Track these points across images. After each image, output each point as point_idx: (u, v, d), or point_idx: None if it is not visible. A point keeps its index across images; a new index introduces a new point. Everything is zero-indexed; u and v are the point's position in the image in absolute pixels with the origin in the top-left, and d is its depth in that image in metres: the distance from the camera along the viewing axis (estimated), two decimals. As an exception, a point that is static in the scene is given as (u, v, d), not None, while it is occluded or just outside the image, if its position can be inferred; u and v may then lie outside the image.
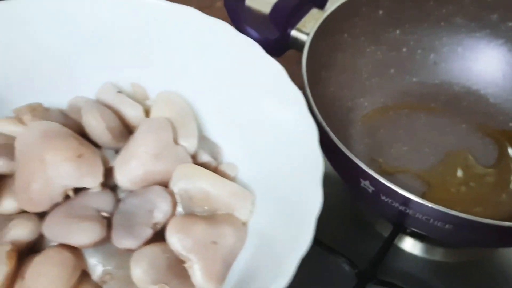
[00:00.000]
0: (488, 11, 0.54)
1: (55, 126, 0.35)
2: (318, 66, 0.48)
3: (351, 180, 0.40)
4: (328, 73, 0.50)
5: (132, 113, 0.39)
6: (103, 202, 0.36)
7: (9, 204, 0.35)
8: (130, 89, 0.42)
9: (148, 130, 0.37)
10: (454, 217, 0.35)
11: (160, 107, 0.40)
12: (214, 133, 0.41)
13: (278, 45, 0.50)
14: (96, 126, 0.36)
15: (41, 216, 0.35)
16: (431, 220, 0.36)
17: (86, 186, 0.35)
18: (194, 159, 0.39)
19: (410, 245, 0.48)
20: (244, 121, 0.39)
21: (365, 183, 0.37)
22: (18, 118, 0.36)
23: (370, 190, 0.37)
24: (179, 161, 0.37)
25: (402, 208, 0.37)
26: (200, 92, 0.41)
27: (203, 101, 0.41)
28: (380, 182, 0.35)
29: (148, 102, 0.41)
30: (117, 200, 0.37)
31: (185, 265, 0.34)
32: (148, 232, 0.34)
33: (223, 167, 0.40)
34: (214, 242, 0.34)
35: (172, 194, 0.36)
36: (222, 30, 0.38)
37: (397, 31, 0.55)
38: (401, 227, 0.46)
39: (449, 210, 0.34)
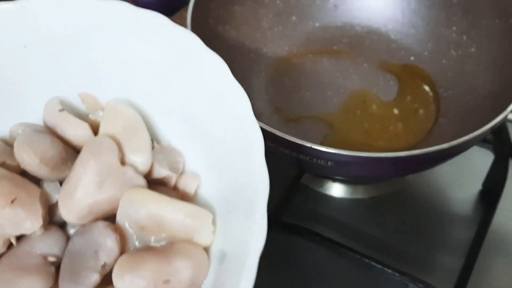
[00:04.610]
0: None
1: (-17, 169, 0.32)
2: (213, 21, 0.49)
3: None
4: (225, 27, 0.51)
5: (77, 132, 0.35)
6: (48, 245, 0.33)
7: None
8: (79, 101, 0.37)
9: (88, 156, 0.33)
10: (334, 154, 0.35)
11: (107, 121, 0.35)
12: (174, 139, 0.37)
13: (171, 3, 0.56)
14: (29, 161, 0.33)
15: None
16: (314, 160, 0.37)
17: (26, 232, 0.32)
18: (150, 175, 0.35)
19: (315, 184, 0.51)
20: (200, 126, 0.34)
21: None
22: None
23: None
24: (127, 184, 0.33)
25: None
26: (152, 95, 0.36)
27: (156, 104, 0.36)
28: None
29: (101, 114, 0.37)
30: (68, 238, 0.34)
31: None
32: (95, 278, 0.31)
33: (184, 180, 0.35)
34: (167, 281, 0.30)
35: (118, 229, 0.32)
36: (158, 23, 0.33)
37: (295, -23, 0.55)
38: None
39: (325, 148, 0.35)
